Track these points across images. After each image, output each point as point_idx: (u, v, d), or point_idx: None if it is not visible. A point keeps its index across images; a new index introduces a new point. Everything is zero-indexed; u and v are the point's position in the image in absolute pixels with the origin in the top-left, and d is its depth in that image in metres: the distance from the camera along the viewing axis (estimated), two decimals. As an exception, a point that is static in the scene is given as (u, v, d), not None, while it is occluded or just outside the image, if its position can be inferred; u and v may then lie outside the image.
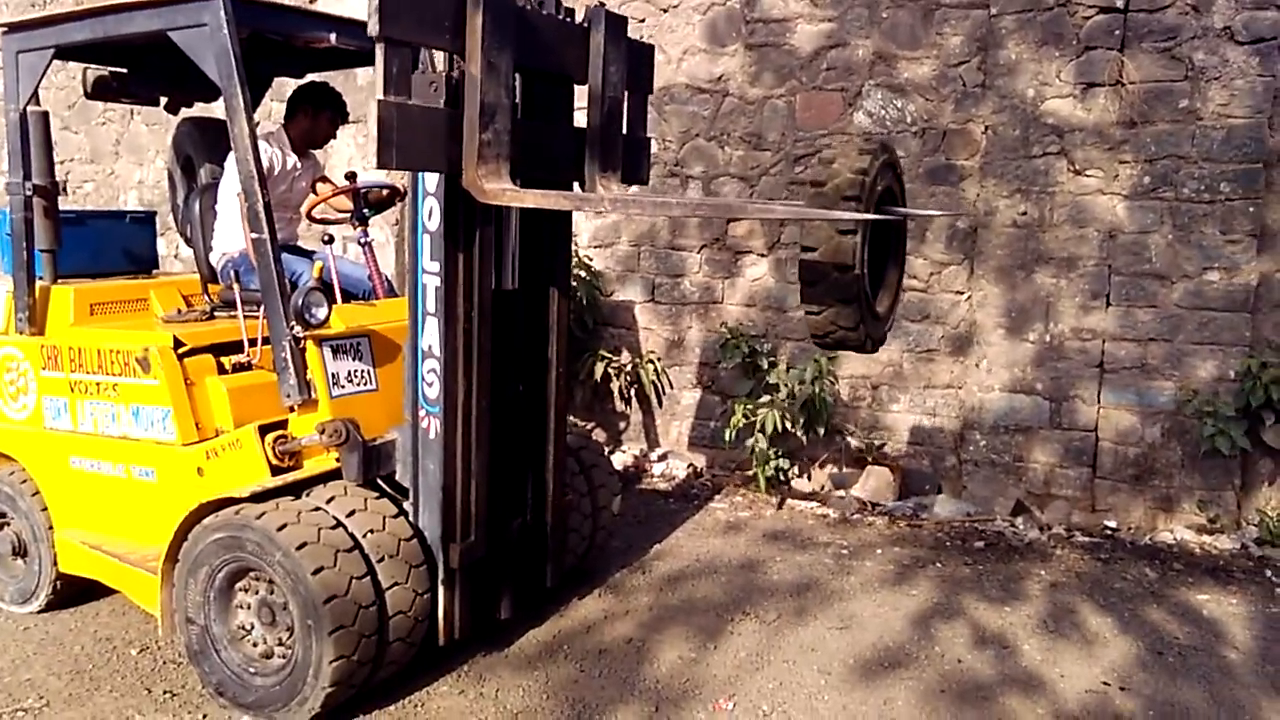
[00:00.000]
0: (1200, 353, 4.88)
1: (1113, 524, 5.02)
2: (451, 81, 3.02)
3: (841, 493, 5.57)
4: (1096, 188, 4.99)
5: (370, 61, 4.44)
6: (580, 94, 3.55)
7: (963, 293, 5.40)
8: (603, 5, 3.45)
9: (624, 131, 3.62)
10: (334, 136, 4.58)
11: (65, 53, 3.81)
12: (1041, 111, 5.06)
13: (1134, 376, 5.00)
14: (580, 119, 3.59)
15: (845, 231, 2.80)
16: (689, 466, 6.08)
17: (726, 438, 5.63)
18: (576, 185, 3.63)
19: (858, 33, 5.51)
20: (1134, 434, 5.02)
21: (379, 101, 2.74)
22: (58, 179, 3.99)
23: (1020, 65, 5.08)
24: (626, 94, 3.61)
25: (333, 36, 3.67)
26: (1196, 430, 4.83)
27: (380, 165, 2.80)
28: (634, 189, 3.67)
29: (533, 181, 3.26)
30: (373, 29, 2.69)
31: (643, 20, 6.07)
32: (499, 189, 2.97)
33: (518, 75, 3.19)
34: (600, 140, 3.48)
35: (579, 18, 3.51)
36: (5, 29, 3.81)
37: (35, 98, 3.84)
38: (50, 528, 3.85)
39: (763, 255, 5.90)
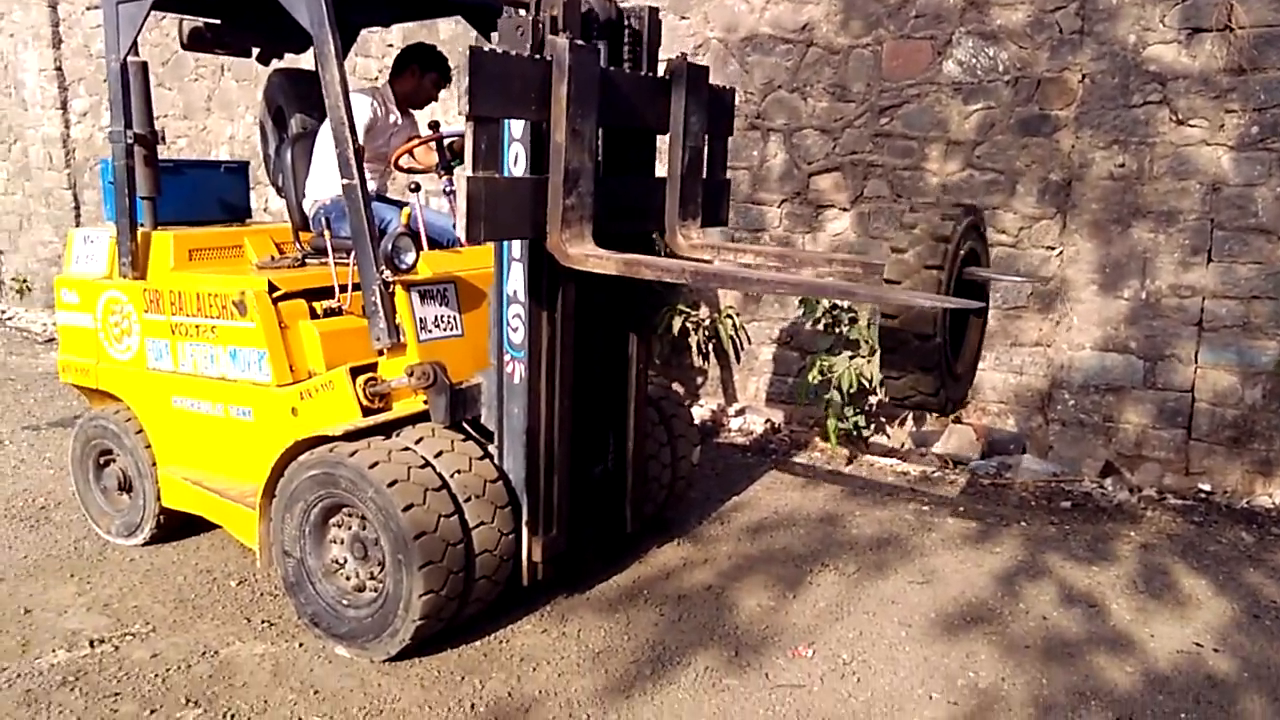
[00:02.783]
0: (1307, 311, 4.68)
1: (1207, 487, 4.87)
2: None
3: (923, 450, 5.50)
4: (1200, 138, 4.78)
5: (453, 11, 4.49)
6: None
7: (1054, 248, 5.24)
8: (684, 57, 3.46)
9: (704, 175, 3.64)
10: (435, 99, 4.63)
11: (163, 3, 3.89)
12: (1143, 59, 4.85)
13: (1235, 335, 4.81)
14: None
15: None
16: (766, 422, 6.06)
17: (801, 395, 5.60)
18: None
19: (950, -22, 5.34)
20: (1233, 395, 4.84)
21: (469, 179, 2.79)
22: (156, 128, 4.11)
23: (1121, 10, 4.87)
24: (706, 138, 3.62)
25: (419, -18, 3.69)
26: (1300, 392, 4.65)
27: (470, 240, 2.85)
28: (714, 231, 3.70)
29: (613, 237, 3.23)
30: (463, 109, 2.76)
31: (726, -31, 5.98)
32: (582, 254, 3.01)
33: (600, 132, 3.21)
34: (680, 187, 3.53)
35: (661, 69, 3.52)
36: (107, -20, 3.91)
37: (135, 48, 3.93)
38: (154, 464, 4.02)
39: (845, 209, 5.80)
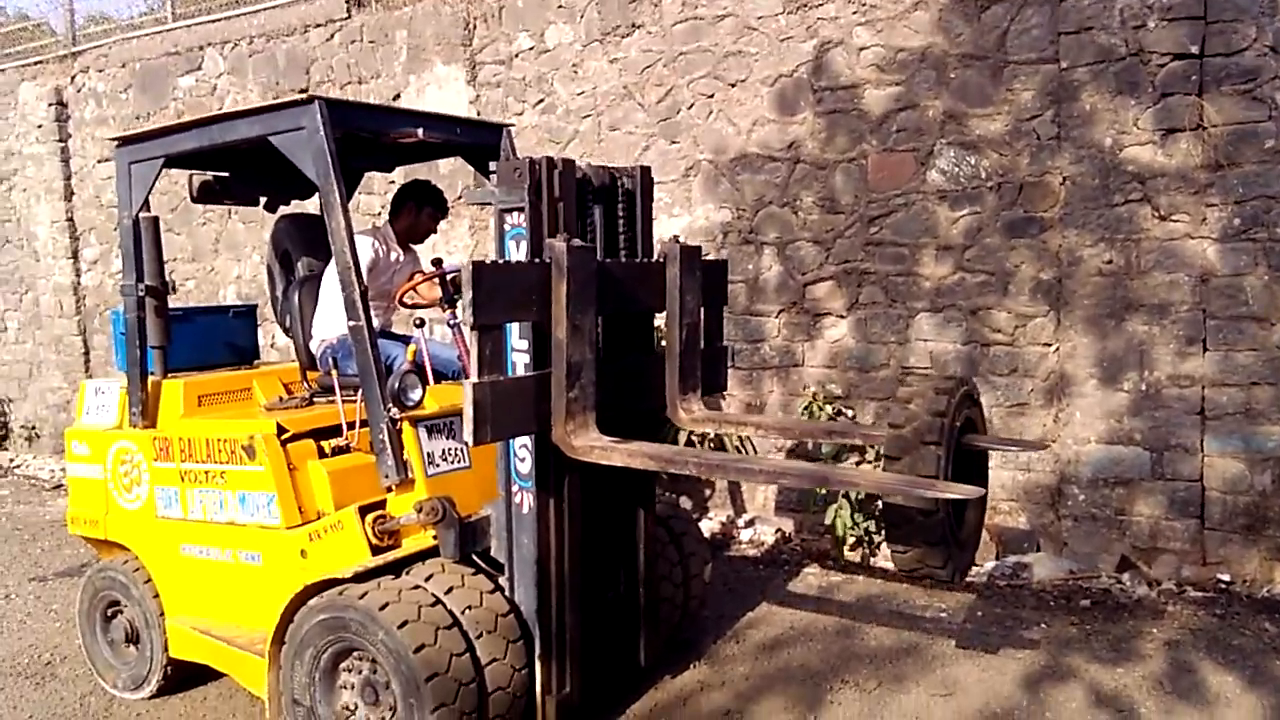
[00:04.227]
0: (1308, 395, 4.69)
1: (1226, 577, 4.80)
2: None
3: (937, 554, 5.44)
4: (1184, 232, 4.89)
5: (453, 153, 4.66)
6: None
7: (1050, 344, 5.30)
8: (677, 240, 3.62)
9: (701, 345, 3.76)
10: (435, 231, 4.78)
11: (173, 161, 4.03)
12: (1121, 159, 4.99)
13: (1238, 422, 4.82)
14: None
15: (926, 474, 2.84)
16: (777, 532, 6.02)
17: (810, 503, 5.58)
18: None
19: (927, 94, 5.54)
20: (1243, 482, 4.82)
21: (474, 385, 2.87)
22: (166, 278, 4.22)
23: (1096, 115, 5.04)
24: (702, 310, 3.75)
25: (420, 131, 3.84)
26: (1311, 476, 4.63)
27: (476, 443, 2.91)
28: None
29: (616, 416, 3.33)
30: (467, 319, 2.87)
31: (711, 95, 6.21)
32: (587, 445, 3.09)
33: (599, 320, 3.32)
34: (680, 362, 3.63)
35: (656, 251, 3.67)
36: (118, 142, 4.08)
37: (146, 204, 4.08)
38: (162, 614, 3.98)
39: (842, 316, 5.89)
